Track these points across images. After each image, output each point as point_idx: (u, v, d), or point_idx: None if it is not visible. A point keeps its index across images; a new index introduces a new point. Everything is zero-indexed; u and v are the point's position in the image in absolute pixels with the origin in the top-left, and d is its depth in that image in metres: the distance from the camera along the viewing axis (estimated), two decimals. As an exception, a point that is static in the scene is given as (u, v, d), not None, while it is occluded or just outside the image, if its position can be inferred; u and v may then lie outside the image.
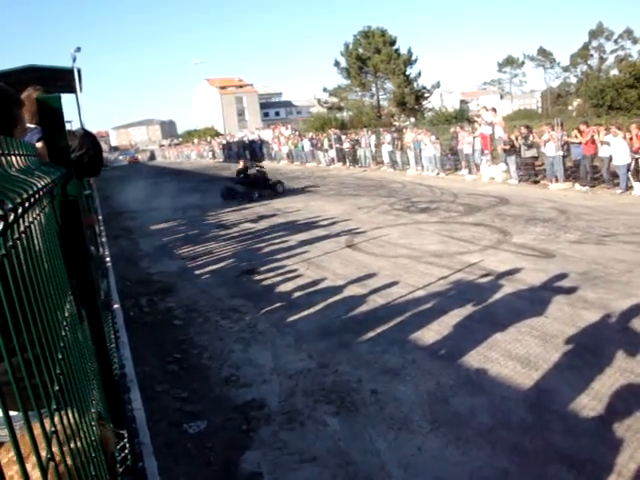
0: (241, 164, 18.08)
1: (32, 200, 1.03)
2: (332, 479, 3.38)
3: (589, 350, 4.78)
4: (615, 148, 13.03)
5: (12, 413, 0.83)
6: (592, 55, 54.21)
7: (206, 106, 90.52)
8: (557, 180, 14.92)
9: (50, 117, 2.10)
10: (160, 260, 9.90)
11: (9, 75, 9.70)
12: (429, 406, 4.11)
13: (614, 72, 40.76)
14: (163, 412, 4.37)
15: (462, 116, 32.57)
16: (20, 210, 0.89)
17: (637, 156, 12.58)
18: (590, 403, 3.93)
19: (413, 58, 42.57)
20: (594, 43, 53.73)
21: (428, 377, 4.55)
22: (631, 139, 12.76)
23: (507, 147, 16.21)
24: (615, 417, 3.72)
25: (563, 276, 6.83)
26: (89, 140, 3.04)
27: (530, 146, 15.49)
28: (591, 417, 3.77)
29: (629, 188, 12.99)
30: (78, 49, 21.82)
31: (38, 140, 2.37)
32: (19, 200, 0.89)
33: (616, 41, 52.69)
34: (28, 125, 2.54)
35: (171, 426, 4.18)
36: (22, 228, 0.96)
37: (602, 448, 3.41)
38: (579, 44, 55.34)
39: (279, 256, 9.26)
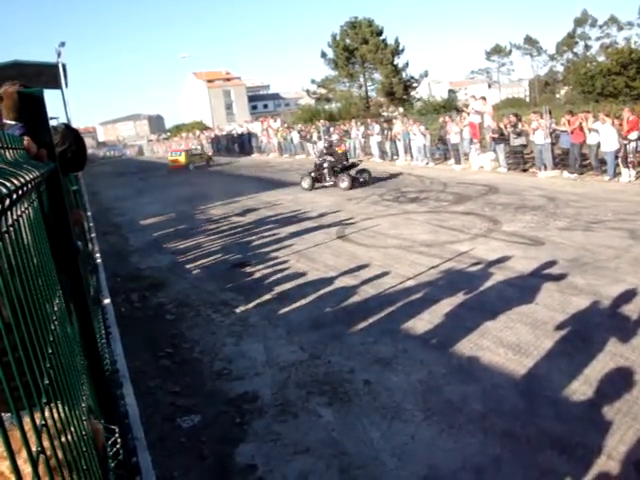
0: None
1: (21, 192, 1.02)
2: (326, 469, 3.39)
3: (579, 336, 4.82)
4: (603, 135, 13.09)
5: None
6: (577, 43, 54.38)
7: (194, 100, 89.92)
8: (546, 168, 14.98)
9: (33, 112, 2.06)
10: (150, 255, 9.86)
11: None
12: (421, 395, 4.13)
13: (601, 59, 40.87)
14: (156, 407, 4.37)
15: (450, 105, 32.57)
16: (8, 202, 0.88)
17: (625, 142, 12.65)
18: (581, 388, 3.97)
19: (400, 48, 42.52)
20: (579, 31, 53.90)
21: (420, 366, 4.58)
22: (620, 124, 12.83)
23: (496, 136, 16.24)
24: (605, 401, 3.76)
25: (553, 263, 6.87)
26: (71, 135, 3.02)
27: (519, 134, 15.53)
28: (582, 402, 3.81)
29: (617, 175, 13.08)
30: (62, 44, 21.62)
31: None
32: (7, 191, 0.88)
33: (601, 28, 52.88)
34: (7, 121, 2.51)
35: (164, 421, 4.17)
36: (10, 221, 0.95)
37: (593, 432, 3.45)
38: (565, 32, 55.54)
39: (269, 248, 9.25)
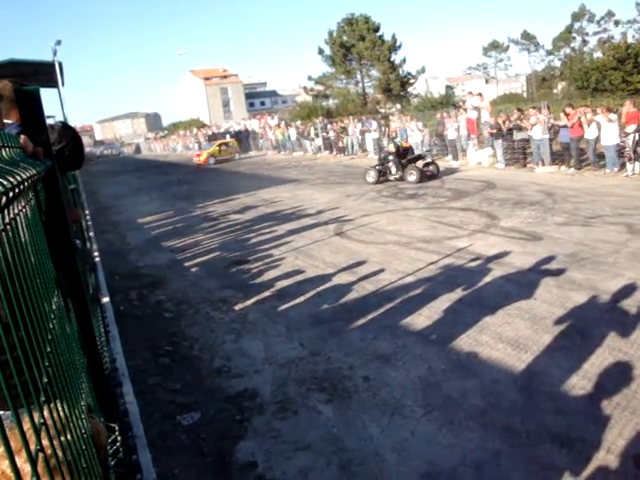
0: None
1: (18, 190, 1.01)
2: (326, 466, 3.40)
3: (578, 331, 4.82)
4: (604, 129, 13.08)
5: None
6: (575, 38, 54.29)
7: (191, 97, 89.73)
8: (544, 163, 14.98)
9: (29, 110, 2.05)
10: (149, 253, 9.85)
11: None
12: (421, 391, 4.13)
13: (597, 54, 40.83)
14: (156, 405, 4.37)
15: (448, 101, 32.49)
16: (4, 200, 0.88)
17: (623, 136, 12.65)
18: (579, 383, 3.97)
19: (397, 44, 42.35)
20: (576, 25, 53.81)
21: (419, 362, 4.58)
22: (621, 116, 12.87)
23: (494, 131, 16.24)
24: (604, 395, 3.77)
25: (551, 258, 6.88)
26: (68, 133, 3.01)
27: (520, 128, 15.51)
28: (581, 396, 3.81)
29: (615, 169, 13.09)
30: (58, 42, 21.56)
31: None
32: (3, 190, 0.87)
33: (599, 23, 52.79)
34: (6, 120, 2.50)
35: (164, 418, 4.18)
36: (7, 220, 0.94)
37: (592, 426, 3.45)
38: (562, 27, 55.37)
39: (268, 246, 9.25)
